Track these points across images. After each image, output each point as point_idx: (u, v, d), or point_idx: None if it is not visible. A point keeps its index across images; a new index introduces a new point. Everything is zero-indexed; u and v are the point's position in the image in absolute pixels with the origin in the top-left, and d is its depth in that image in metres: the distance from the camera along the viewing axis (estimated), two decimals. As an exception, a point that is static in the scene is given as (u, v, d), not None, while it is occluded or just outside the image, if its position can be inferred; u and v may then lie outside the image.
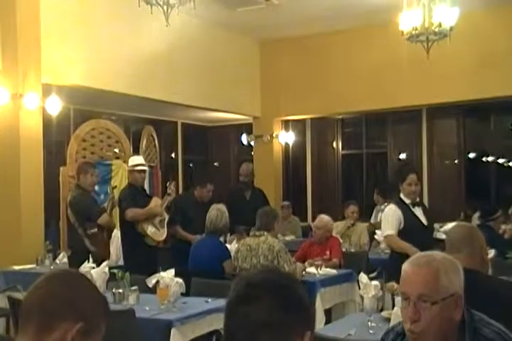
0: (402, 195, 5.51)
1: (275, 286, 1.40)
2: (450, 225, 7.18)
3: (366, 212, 11.14)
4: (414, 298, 2.03)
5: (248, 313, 1.35)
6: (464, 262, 2.85)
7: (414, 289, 2.04)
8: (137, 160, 7.04)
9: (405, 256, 3.07)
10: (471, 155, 11.50)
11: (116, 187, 7.52)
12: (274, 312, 1.35)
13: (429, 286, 2.02)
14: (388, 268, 5.60)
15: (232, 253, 5.90)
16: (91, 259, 5.42)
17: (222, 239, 6.35)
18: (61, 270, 1.85)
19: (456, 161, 11.43)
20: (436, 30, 6.70)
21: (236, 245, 6.23)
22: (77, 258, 5.89)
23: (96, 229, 6.66)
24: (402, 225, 5.40)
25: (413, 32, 6.77)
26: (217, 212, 5.99)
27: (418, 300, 2.02)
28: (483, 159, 11.48)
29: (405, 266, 2.12)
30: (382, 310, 4.48)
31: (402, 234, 5.35)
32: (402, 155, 11.92)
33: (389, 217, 5.44)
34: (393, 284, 3.87)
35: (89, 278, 1.83)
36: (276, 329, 1.33)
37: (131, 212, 6.59)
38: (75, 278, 1.70)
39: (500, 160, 11.31)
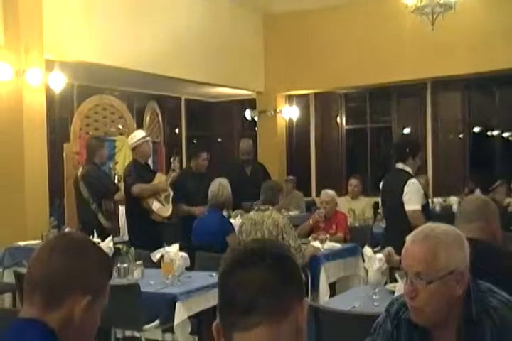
0: (408, 169, 5.45)
1: (274, 254, 1.37)
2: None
3: (371, 187, 11.16)
4: (411, 275, 2.02)
5: (249, 276, 1.32)
6: (474, 233, 2.87)
7: (411, 266, 2.03)
8: (141, 133, 7.08)
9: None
10: (476, 129, 11.45)
11: (117, 163, 7.55)
12: (274, 277, 1.32)
13: (426, 264, 2.00)
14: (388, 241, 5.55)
15: (237, 228, 5.91)
16: (95, 234, 5.45)
17: (226, 213, 6.36)
18: (62, 237, 1.79)
19: (460, 135, 11.39)
20: (442, 1, 6.63)
21: (240, 220, 6.23)
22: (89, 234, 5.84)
23: (112, 206, 6.71)
24: (424, 201, 5.38)
25: (418, 4, 6.69)
26: (219, 186, 5.99)
27: (415, 278, 2.01)
28: (488, 133, 11.43)
29: (407, 240, 2.10)
30: (386, 283, 4.49)
31: (424, 210, 5.32)
32: (407, 130, 11.88)
33: (417, 192, 5.34)
34: (389, 252, 3.85)
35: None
36: (276, 295, 1.31)
37: (137, 188, 6.59)
38: (77, 247, 1.65)
39: (505, 134, 11.26)
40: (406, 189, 5.31)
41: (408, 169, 5.45)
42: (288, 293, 1.33)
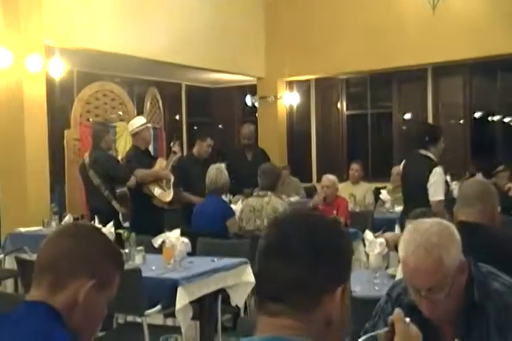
0: (430, 155, 5.46)
1: (311, 239, 1.29)
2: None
3: (372, 172, 11.18)
4: (425, 292, 1.96)
5: (285, 267, 1.28)
6: (475, 217, 2.87)
7: (421, 284, 1.96)
8: (142, 119, 7.07)
9: None
10: (477, 114, 11.40)
11: (118, 149, 7.54)
12: (311, 271, 1.27)
13: (437, 279, 1.93)
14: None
15: (237, 213, 5.92)
16: (97, 220, 5.45)
17: (226, 199, 6.36)
18: (73, 224, 1.85)
19: (461, 121, 11.35)
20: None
21: (241, 205, 6.23)
22: (103, 221, 5.69)
23: (125, 190, 6.63)
24: (446, 188, 5.45)
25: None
26: (216, 171, 6.00)
27: (429, 293, 1.95)
28: (489, 118, 11.40)
29: (405, 256, 1.98)
30: (387, 267, 4.50)
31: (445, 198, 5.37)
32: (407, 115, 11.85)
33: (441, 181, 5.35)
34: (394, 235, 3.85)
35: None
36: (308, 290, 1.28)
37: (140, 173, 6.60)
38: (86, 233, 1.69)
39: (507, 119, 11.23)
40: (431, 179, 5.31)
41: (431, 155, 5.48)
42: (322, 287, 1.29)
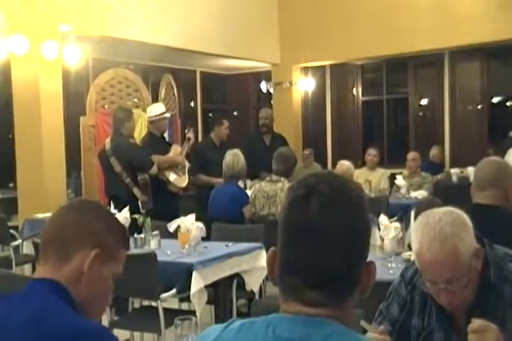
0: None
1: (349, 225, 1.21)
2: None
3: (388, 158, 11.14)
4: (443, 285, 1.95)
5: (318, 256, 1.20)
6: (488, 200, 2.85)
7: (439, 276, 1.95)
8: (161, 107, 7.02)
9: None
10: (495, 99, 11.31)
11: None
12: (348, 258, 1.21)
13: (453, 269, 1.92)
14: None
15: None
16: (112, 205, 5.45)
17: (242, 184, 6.35)
18: (79, 200, 1.87)
19: (479, 106, 11.26)
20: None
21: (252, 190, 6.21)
22: (119, 207, 5.70)
23: (147, 177, 6.54)
24: None
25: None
26: (233, 157, 5.97)
27: (448, 285, 1.94)
28: (507, 103, 11.30)
29: (419, 251, 1.96)
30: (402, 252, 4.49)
31: None
32: (424, 101, 11.78)
33: None
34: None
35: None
36: (348, 276, 1.22)
37: (155, 159, 6.59)
38: (91, 207, 1.70)
39: (524, 105, 11.15)
40: (506, 158, 5.15)
41: None
42: (360, 270, 1.23)
